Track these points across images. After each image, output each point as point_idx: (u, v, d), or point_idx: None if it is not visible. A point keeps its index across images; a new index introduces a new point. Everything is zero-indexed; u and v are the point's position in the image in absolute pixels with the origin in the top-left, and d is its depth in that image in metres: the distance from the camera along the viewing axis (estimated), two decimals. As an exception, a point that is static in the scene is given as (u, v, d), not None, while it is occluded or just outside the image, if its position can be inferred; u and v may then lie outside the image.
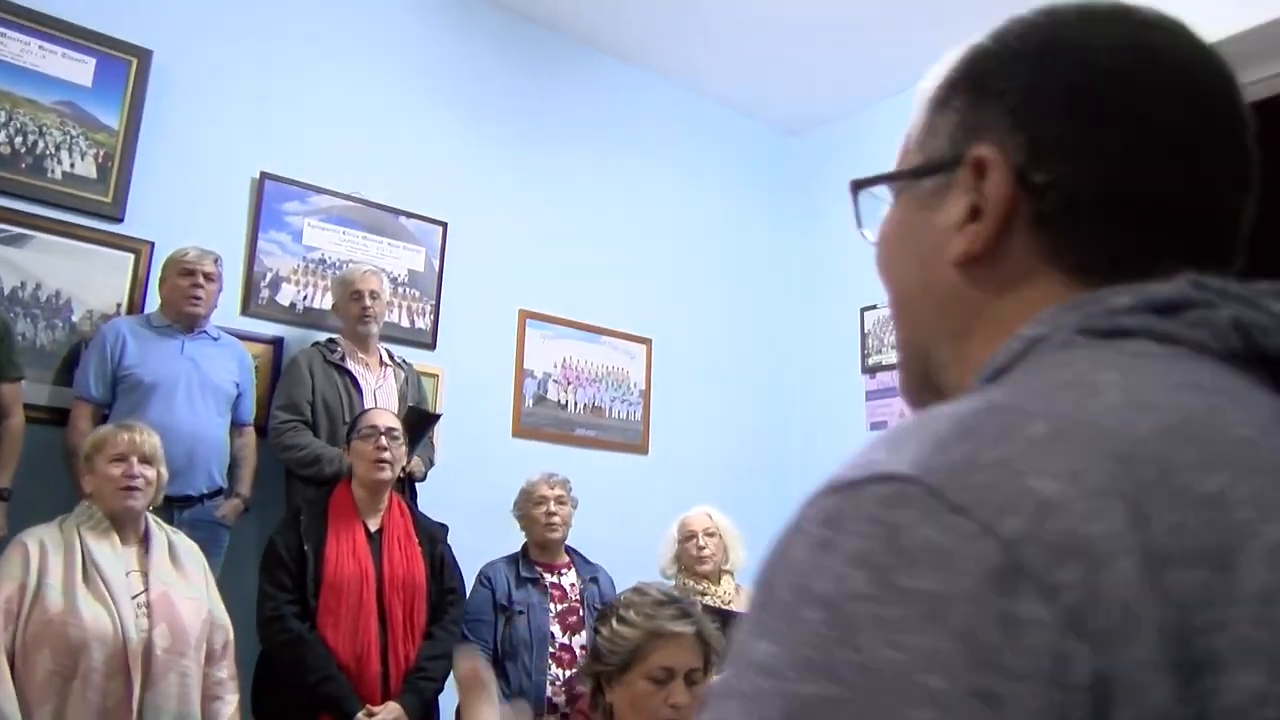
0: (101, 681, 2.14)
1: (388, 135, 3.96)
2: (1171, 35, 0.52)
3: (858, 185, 0.63)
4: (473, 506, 3.55)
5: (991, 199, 0.51)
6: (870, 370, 4.74)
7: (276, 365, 3.51)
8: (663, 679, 1.66)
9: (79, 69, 3.28)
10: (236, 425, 3.22)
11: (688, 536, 3.34)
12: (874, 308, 4.76)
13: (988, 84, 0.53)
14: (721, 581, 3.28)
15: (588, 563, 3.23)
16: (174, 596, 2.32)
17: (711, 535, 3.31)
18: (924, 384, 0.58)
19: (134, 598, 2.26)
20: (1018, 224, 0.51)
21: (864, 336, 4.79)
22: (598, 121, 4.68)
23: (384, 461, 2.72)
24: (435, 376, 3.88)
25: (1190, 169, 0.50)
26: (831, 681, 0.34)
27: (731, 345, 5.00)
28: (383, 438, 2.74)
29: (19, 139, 3.15)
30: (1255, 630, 0.33)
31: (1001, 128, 0.51)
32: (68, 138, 3.24)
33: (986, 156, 0.51)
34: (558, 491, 3.16)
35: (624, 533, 3.82)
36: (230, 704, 2.38)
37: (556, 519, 3.11)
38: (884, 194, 0.62)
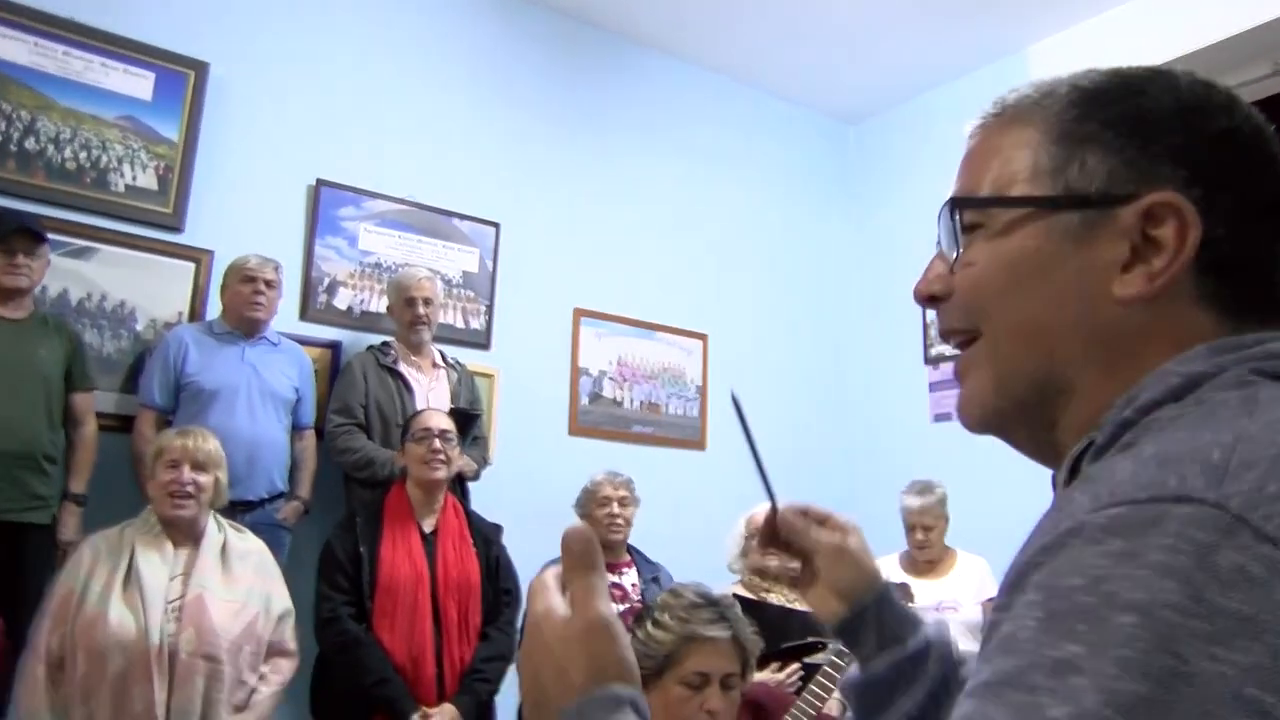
0: (126, 686, 2.17)
1: (440, 138, 3.99)
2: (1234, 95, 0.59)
3: (962, 203, 0.63)
4: (529, 506, 3.56)
5: (1170, 244, 0.54)
6: (933, 361, 4.64)
7: (335, 369, 3.56)
8: (697, 684, 1.62)
9: (139, 84, 3.37)
10: (296, 429, 3.27)
11: (753, 534, 3.29)
12: (935, 297, 4.65)
13: (1153, 132, 0.56)
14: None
15: (649, 562, 3.21)
16: (208, 599, 2.31)
17: None
18: (1028, 414, 0.59)
19: (170, 602, 2.28)
20: (1188, 271, 0.54)
21: (926, 327, 4.69)
22: (649, 118, 4.65)
23: (438, 462, 2.74)
24: (490, 377, 3.90)
25: None
26: (1151, 682, 0.36)
27: (789, 338, 4.93)
28: (436, 439, 2.76)
29: (83, 154, 3.24)
30: None
31: (1178, 178, 0.54)
32: (129, 151, 3.32)
33: (1172, 203, 0.54)
34: (621, 493, 3.14)
35: (683, 529, 3.80)
36: (264, 701, 2.39)
37: (620, 520, 3.10)
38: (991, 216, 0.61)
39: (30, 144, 3.16)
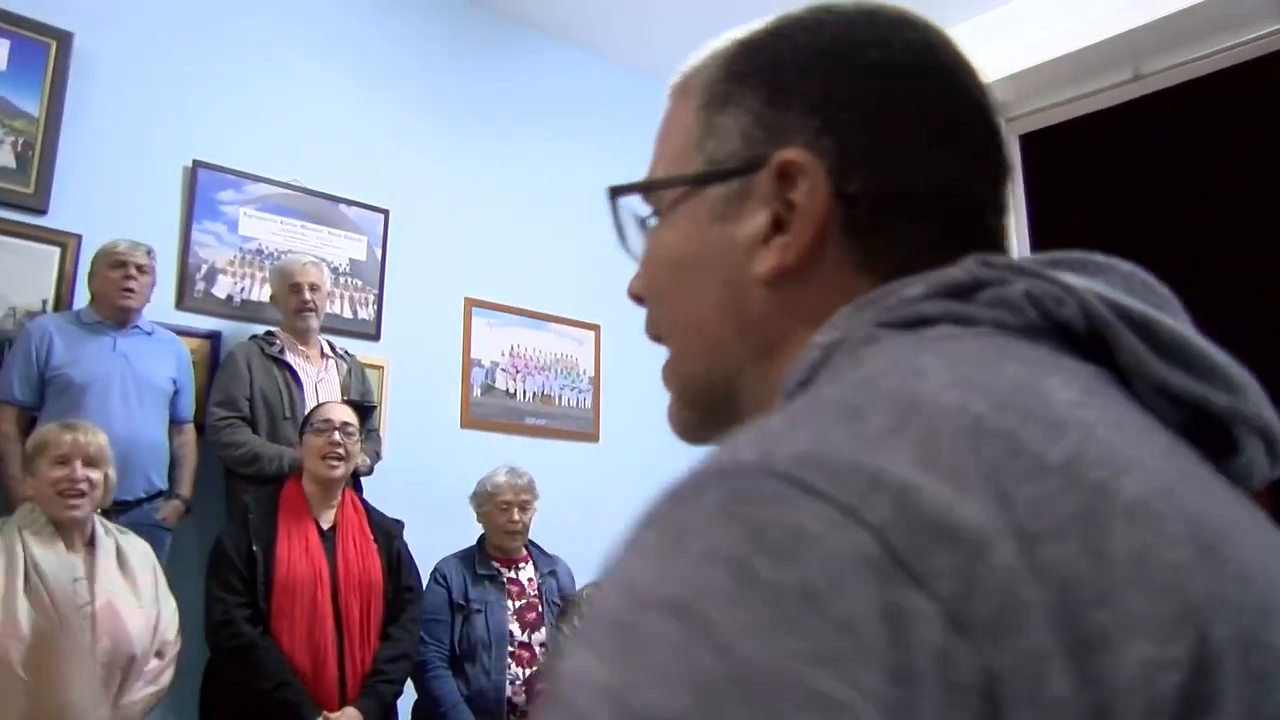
0: None
1: (326, 121, 3.83)
2: (942, 38, 0.52)
3: (618, 191, 0.56)
4: (421, 501, 3.47)
5: (805, 207, 0.47)
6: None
7: (214, 360, 3.37)
8: None
9: (-8, 52, 3.11)
10: (175, 423, 3.09)
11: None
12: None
13: (786, 81, 0.49)
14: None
15: (546, 555, 3.17)
16: (119, 606, 2.21)
17: None
18: (717, 418, 0.53)
19: (81, 608, 2.15)
20: (831, 233, 0.47)
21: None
22: (539, 105, 4.59)
23: (338, 457, 2.63)
24: (380, 368, 3.78)
25: (979, 164, 0.50)
26: (691, 692, 0.29)
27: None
28: (337, 432, 2.65)
29: (-71, 127, 2.97)
30: (1136, 595, 0.31)
31: (808, 129, 0.48)
32: (-17, 125, 3.06)
33: (796, 160, 0.47)
34: (523, 496, 3.07)
35: (578, 522, 3.77)
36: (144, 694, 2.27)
37: (518, 525, 3.04)
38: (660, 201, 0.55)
39: None
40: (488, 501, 3.06)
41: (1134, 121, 4.23)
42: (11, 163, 3.10)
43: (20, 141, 3.12)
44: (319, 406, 2.78)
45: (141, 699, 2.27)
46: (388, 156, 3.99)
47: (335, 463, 2.64)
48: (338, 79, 3.90)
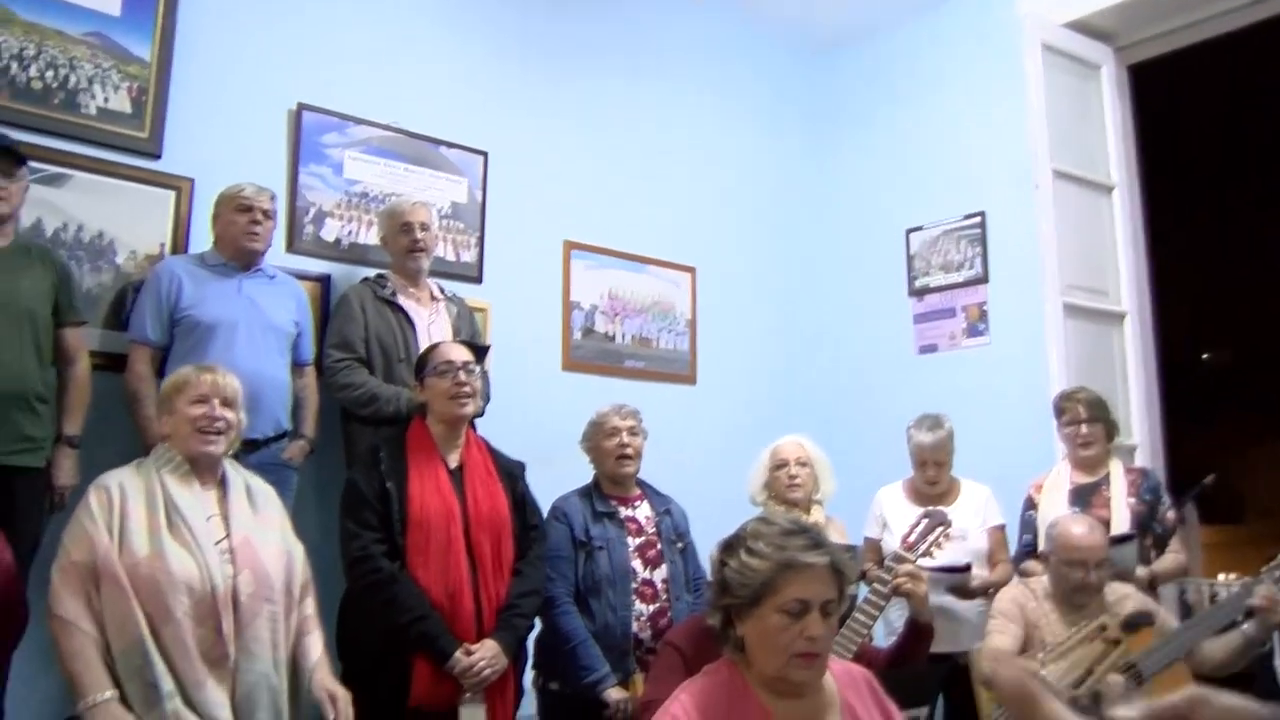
0: (193, 627, 2.08)
1: (426, 62, 3.81)
2: None
3: None
4: (524, 444, 3.46)
5: None
6: (917, 293, 4.66)
7: (324, 303, 3.40)
8: (797, 611, 1.58)
9: (106, -3, 3.11)
10: (296, 365, 3.12)
11: (779, 465, 3.27)
12: (919, 229, 4.66)
13: None
14: (811, 511, 3.22)
15: (659, 494, 3.16)
16: (255, 542, 2.24)
17: (804, 465, 3.25)
18: None
19: (217, 543, 2.18)
20: None
21: (910, 259, 4.69)
22: (636, 47, 4.52)
23: (466, 395, 2.63)
24: (483, 311, 3.78)
25: None
26: None
27: (776, 270, 4.91)
28: (460, 371, 2.65)
29: (50, 73, 2.99)
30: None
31: None
32: (99, 70, 3.08)
33: None
34: (630, 423, 3.06)
35: (675, 463, 3.75)
36: (319, 638, 2.32)
37: (630, 450, 3.03)
38: None
39: (-9, 60, 2.90)
40: (597, 433, 3.05)
41: (1250, 48, 4.02)
42: (127, 107, 3.12)
43: (135, 86, 3.14)
44: (435, 348, 2.78)
45: (320, 639, 2.32)
46: (486, 98, 3.96)
47: (464, 400, 2.64)
48: (438, 19, 3.87)
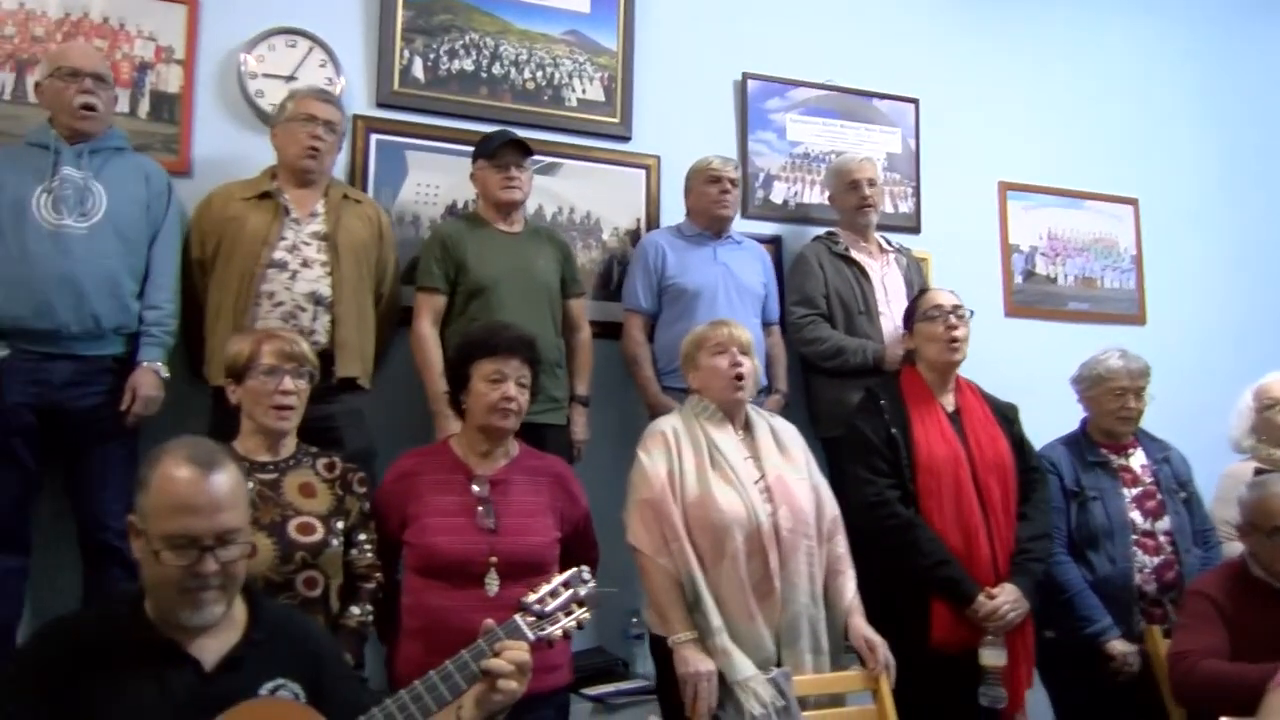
0: (745, 561, 2.25)
1: (857, 17, 3.83)
2: None
3: None
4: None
5: None
6: None
7: (778, 263, 3.53)
8: None
9: (576, -4, 3.42)
10: (765, 324, 3.27)
11: (1268, 405, 2.98)
12: None
13: None
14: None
15: (1155, 440, 2.97)
16: (788, 479, 2.37)
17: None
18: None
19: (755, 483, 2.34)
20: None
21: None
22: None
23: (956, 340, 2.63)
24: (925, 260, 3.74)
25: None
26: None
27: (1228, 193, 4.44)
28: (950, 316, 2.65)
29: (539, 73, 3.34)
30: None
31: None
32: (576, 65, 3.40)
33: None
34: (1139, 383, 2.87)
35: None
36: (851, 579, 2.42)
37: (1132, 413, 2.85)
38: None
39: (496, 69, 3.29)
40: (1097, 385, 2.90)
41: None
42: (601, 96, 3.42)
43: (605, 76, 3.43)
44: (923, 293, 2.80)
45: (852, 579, 2.44)
46: (915, 45, 3.91)
47: (956, 345, 2.64)
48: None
